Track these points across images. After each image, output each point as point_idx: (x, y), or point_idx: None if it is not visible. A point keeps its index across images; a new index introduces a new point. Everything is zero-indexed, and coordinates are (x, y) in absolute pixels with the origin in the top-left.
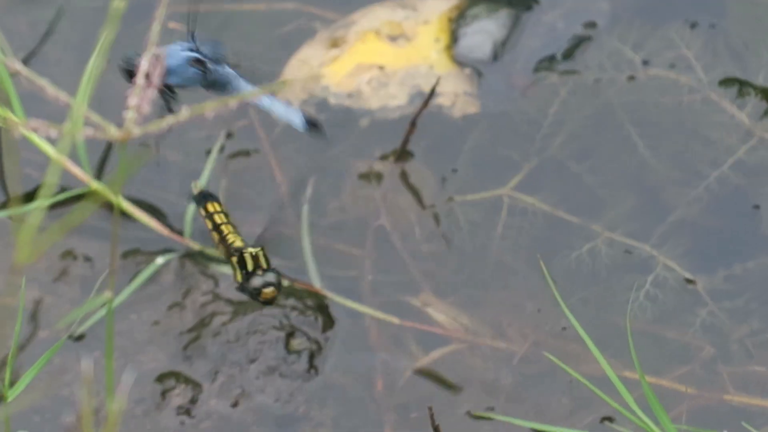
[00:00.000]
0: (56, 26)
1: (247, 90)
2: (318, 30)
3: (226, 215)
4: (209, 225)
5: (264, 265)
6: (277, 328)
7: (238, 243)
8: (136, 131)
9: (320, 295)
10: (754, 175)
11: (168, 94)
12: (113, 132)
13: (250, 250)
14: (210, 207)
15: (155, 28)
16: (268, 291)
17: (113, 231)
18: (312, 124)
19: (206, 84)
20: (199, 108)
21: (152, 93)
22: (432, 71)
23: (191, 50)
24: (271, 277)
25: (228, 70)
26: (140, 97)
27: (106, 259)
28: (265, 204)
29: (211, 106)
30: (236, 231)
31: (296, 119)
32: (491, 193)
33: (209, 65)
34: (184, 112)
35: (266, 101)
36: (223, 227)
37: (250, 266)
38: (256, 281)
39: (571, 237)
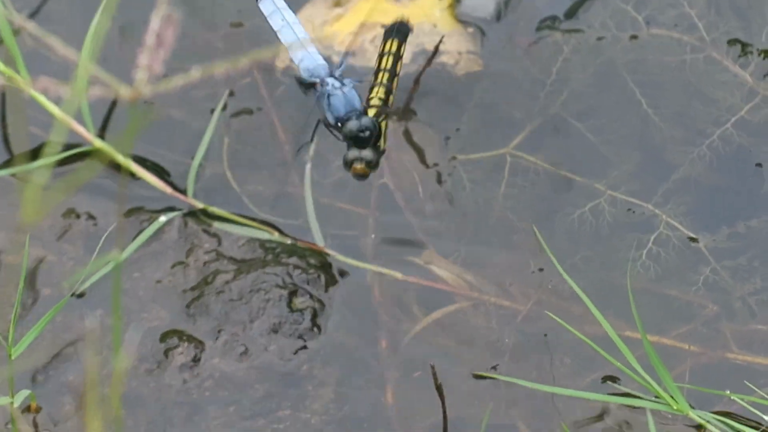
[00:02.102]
0: None
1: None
2: None
3: (395, 63)
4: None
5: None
6: (280, 286)
7: (376, 100)
8: (147, 91)
9: (323, 254)
10: (757, 134)
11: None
12: (123, 92)
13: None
14: (387, 45)
15: None
16: (358, 167)
17: (120, 190)
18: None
19: None
20: (209, 68)
21: (164, 53)
22: (435, 30)
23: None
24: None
25: None
26: (151, 57)
27: (109, 218)
28: (268, 163)
29: (221, 66)
30: (387, 86)
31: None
32: (494, 152)
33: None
34: (194, 72)
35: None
36: (380, 74)
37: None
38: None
39: (574, 196)
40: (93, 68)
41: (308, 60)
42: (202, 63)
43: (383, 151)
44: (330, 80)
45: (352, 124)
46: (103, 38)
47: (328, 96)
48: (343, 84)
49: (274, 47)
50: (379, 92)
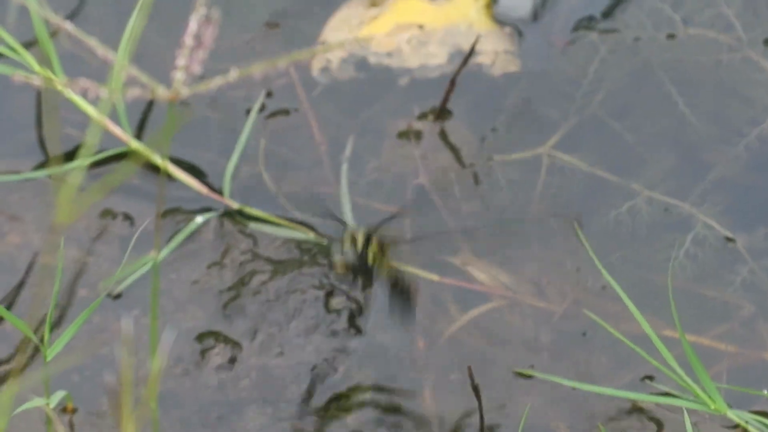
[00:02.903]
0: None
1: None
2: None
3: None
4: None
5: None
6: (316, 287)
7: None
8: (185, 92)
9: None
10: None
11: None
12: (161, 92)
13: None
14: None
15: None
16: (338, 264)
17: (158, 191)
18: None
19: None
20: (247, 69)
21: (202, 54)
22: (472, 30)
23: None
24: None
25: None
26: (189, 58)
27: (145, 218)
28: (305, 163)
29: (259, 66)
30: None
31: None
32: (531, 152)
33: None
34: (232, 73)
35: None
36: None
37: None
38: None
39: (611, 195)
40: (129, 68)
41: None
42: (239, 63)
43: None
44: None
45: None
46: (139, 38)
47: None
48: None
49: (311, 48)
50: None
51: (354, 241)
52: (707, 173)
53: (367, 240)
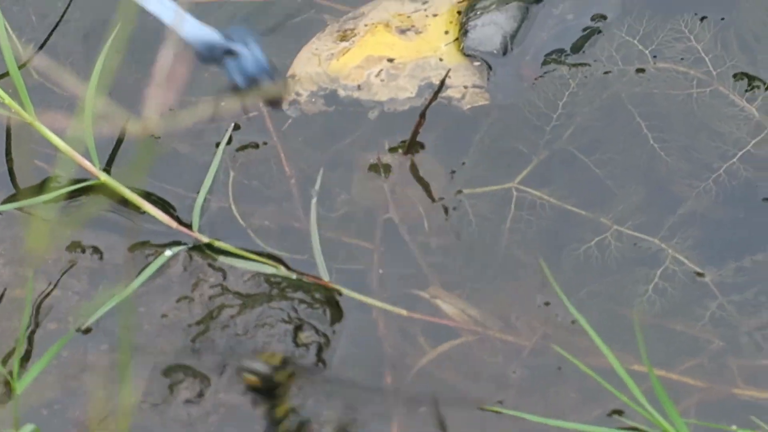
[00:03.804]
0: (67, 17)
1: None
2: (327, 22)
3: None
4: None
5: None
6: (285, 321)
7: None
8: (155, 127)
9: (328, 288)
10: (763, 168)
11: None
12: (132, 127)
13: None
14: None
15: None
16: (250, 378)
17: (126, 225)
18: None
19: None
20: (218, 103)
21: (174, 89)
22: (441, 63)
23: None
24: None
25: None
26: (160, 93)
27: (114, 252)
28: (274, 197)
29: (230, 101)
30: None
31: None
32: (500, 186)
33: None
34: (202, 108)
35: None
36: None
37: None
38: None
39: (580, 230)
40: (100, 102)
41: (195, 31)
42: (208, 96)
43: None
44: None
45: (266, 83)
46: (111, 71)
47: (238, 57)
48: (246, 44)
49: (282, 81)
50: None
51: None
52: (677, 208)
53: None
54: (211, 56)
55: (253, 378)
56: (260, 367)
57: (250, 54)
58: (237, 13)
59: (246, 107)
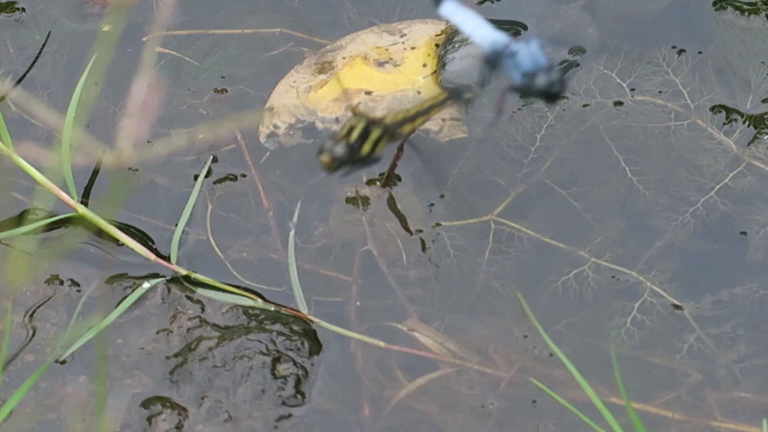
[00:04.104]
0: (45, 50)
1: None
2: (306, 54)
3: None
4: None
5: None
6: (263, 353)
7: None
8: (130, 157)
9: (306, 321)
10: (741, 202)
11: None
12: (107, 158)
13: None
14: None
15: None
16: (325, 159)
17: (104, 257)
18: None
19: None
20: (193, 134)
21: (149, 120)
22: (419, 96)
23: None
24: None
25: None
26: (135, 123)
27: (92, 284)
28: (252, 229)
29: (204, 131)
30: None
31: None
32: (478, 219)
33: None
34: (177, 138)
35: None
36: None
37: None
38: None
39: (558, 262)
40: (77, 134)
41: (486, 33)
42: (186, 128)
43: (363, 157)
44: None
45: (542, 79)
46: (87, 104)
47: (514, 54)
48: (528, 43)
49: (258, 113)
50: (396, 116)
51: (350, 132)
52: (654, 241)
53: (365, 132)
54: (496, 57)
55: (329, 158)
56: (340, 149)
57: (528, 51)
58: (217, 45)
59: (223, 138)
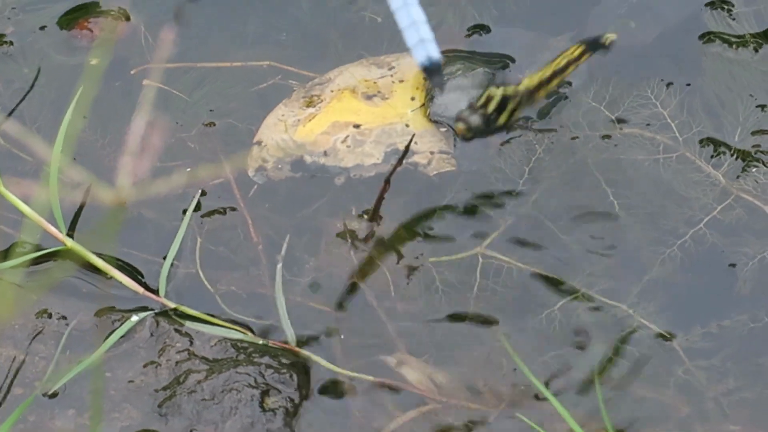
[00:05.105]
0: (34, 84)
1: None
2: (294, 88)
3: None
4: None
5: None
6: (252, 386)
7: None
8: (129, 195)
9: (295, 353)
10: (729, 234)
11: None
12: (104, 195)
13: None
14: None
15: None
16: (460, 127)
17: (93, 290)
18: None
19: None
20: (194, 173)
21: (149, 158)
22: (408, 129)
23: None
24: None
25: None
26: (135, 162)
27: (81, 317)
28: (241, 263)
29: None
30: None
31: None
32: (466, 253)
33: None
34: (177, 178)
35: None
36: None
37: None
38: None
39: (547, 295)
40: (65, 167)
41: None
42: (176, 162)
43: (499, 127)
44: None
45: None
46: (75, 137)
47: None
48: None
49: (247, 146)
50: (532, 80)
51: (487, 103)
52: (644, 273)
53: (503, 102)
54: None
55: (466, 128)
56: (476, 119)
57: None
58: (205, 78)
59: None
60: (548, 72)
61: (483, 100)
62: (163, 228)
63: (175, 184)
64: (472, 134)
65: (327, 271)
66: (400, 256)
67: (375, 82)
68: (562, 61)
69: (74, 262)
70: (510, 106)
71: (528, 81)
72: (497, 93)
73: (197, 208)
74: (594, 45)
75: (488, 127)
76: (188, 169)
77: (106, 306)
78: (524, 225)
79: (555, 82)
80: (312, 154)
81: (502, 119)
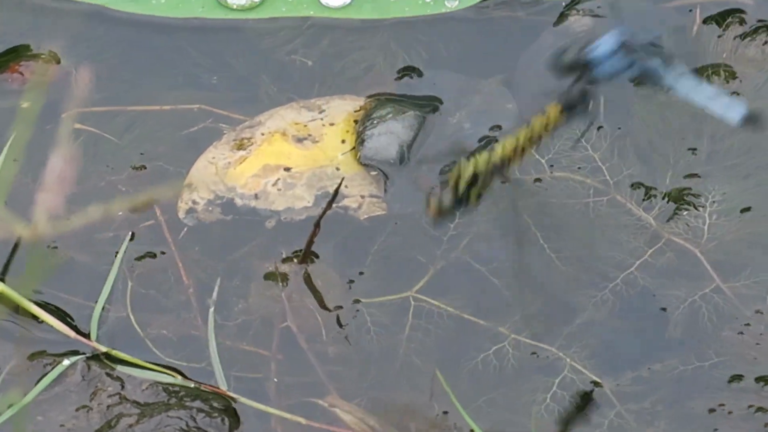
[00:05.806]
0: None
1: (682, 86)
2: (224, 131)
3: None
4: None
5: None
6: (183, 430)
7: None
8: (46, 231)
9: (227, 397)
10: (660, 278)
11: (588, 90)
12: (23, 231)
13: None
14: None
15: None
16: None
17: (22, 334)
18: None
19: (633, 75)
20: (109, 207)
21: (64, 192)
22: (338, 173)
23: (623, 36)
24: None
25: (656, 62)
26: (50, 196)
27: (11, 361)
28: (172, 306)
29: (121, 203)
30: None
31: (735, 114)
32: (398, 296)
33: (638, 55)
34: (93, 211)
35: (705, 96)
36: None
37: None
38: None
39: (478, 338)
40: None
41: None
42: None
43: (477, 202)
44: None
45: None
46: (7, 180)
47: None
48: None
49: (177, 189)
50: (505, 148)
51: (457, 182)
52: (574, 317)
53: (473, 179)
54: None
55: (437, 208)
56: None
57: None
58: (135, 121)
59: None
60: (522, 137)
61: (453, 180)
62: (94, 271)
63: (92, 218)
64: (442, 215)
65: (258, 314)
66: (331, 299)
67: (305, 125)
68: (537, 125)
69: (4, 305)
70: (481, 182)
71: (501, 150)
72: (468, 170)
73: (128, 250)
74: (573, 104)
75: (460, 205)
76: (119, 213)
77: (37, 350)
78: (455, 268)
79: (530, 148)
80: (243, 197)
81: (473, 197)
